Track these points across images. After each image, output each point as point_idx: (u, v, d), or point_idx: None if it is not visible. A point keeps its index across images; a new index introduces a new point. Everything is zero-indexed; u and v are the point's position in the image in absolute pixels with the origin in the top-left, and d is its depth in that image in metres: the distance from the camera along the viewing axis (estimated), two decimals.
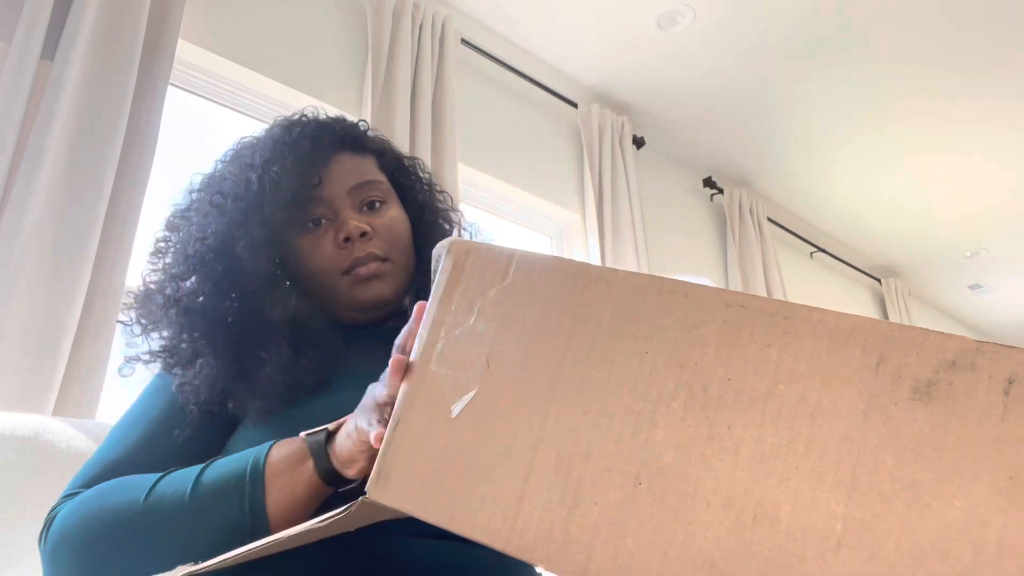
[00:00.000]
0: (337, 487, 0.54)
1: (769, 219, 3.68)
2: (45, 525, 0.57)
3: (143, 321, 0.72)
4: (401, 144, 1.99)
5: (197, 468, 0.56)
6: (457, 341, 0.37)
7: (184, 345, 0.68)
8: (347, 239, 0.71)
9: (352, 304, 0.73)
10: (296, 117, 0.78)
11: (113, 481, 0.57)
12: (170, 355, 0.69)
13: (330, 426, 0.54)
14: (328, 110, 2.10)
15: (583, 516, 0.31)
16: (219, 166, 0.77)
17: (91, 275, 1.38)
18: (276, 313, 0.69)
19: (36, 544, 0.60)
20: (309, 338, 0.69)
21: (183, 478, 0.55)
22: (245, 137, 0.79)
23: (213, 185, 0.74)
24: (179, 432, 0.64)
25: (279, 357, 0.66)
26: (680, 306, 0.32)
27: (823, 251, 4.09)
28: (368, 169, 0.77)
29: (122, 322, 0.79)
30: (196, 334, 0.68)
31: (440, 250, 0.41)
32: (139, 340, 0.74)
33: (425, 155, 2.06)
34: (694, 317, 0.32)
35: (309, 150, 0.73)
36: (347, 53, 2.16)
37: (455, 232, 0.89)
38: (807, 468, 0.27)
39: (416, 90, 2.14)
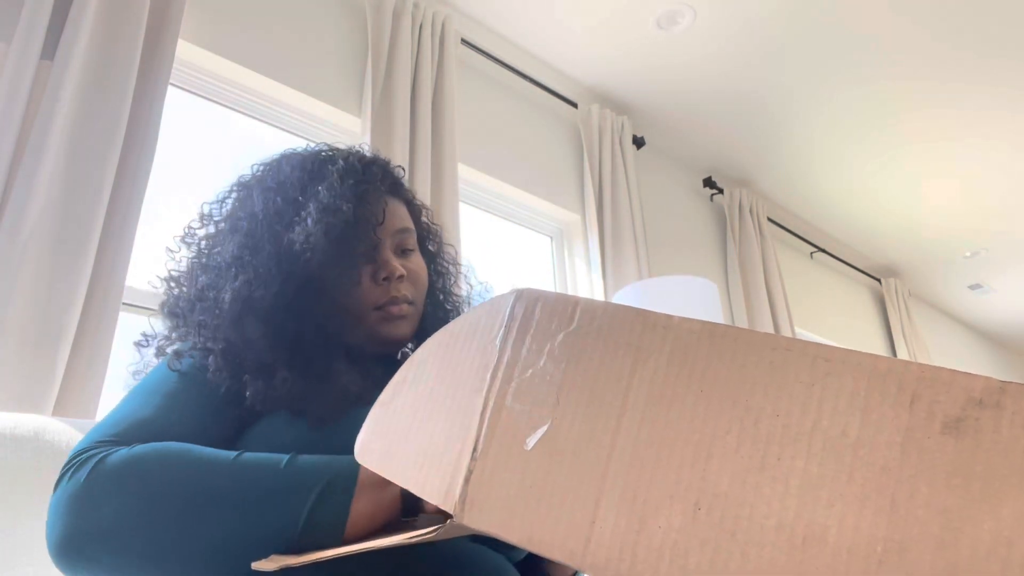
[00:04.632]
0: (405, 515, 0.55)
1: (769, 219, 3.68)
2: (78, 463, 0.54)
3: (195, 318, 0.73)
4: (401, 144, 1.99)
5: (283, 456, 0.56)
6: (530, 380, 0.41)
7: (255, 355, 0.69)
8: (386, 278, 0.77)
9: (374, 336, 0.77)
10: (360, 153, 0.84)
11: (177, 446, 0.56)
12: (231, 356, 0.69)
13: None
14: (329, 112, 2.09)
15: (649, 538, 0.34)
16: (286, 175, 0.79)
17: (91, 275, 1.38)
18: (344, 336, 0.75)
19: (52, 490, 0.56)
20: (354, 359, 0.75)
21: (270, 457, 0.55)
22: (296, 154, 0.82)
23: (299, 197, 0.76)
24: (196, 409, 0.65)
25: (350, 370, 0.71)
26: (730, 349, 0.36)
27: (823, 251, 4.09)
28: (405, 216, 0.83)
29: (172, 313, 0.77)
30: (270, 347, 0.69)
31: (508, 297, 0.46)
32: (181, 329, 0.75)
33: (425, 155, 2.06)
34: (743, 359, 0.35)
35: (380, 191, 0.80)
36: (347, 53, 2.16)
37: (460, 281, 0.95)
38: (850, 495, 0.30)
39: (416, 90, 2.14)
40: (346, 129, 2.13)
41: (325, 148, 0.84)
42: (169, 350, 0.74)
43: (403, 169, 0.89)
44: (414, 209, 0.89)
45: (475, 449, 0.41)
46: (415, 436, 0.46)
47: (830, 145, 3.32)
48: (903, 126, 3.20)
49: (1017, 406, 0.29)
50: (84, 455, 0.55)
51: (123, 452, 0.54)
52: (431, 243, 0.92)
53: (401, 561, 0.58)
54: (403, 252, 0.81)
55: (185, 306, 0.75)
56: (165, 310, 0.77)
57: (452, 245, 0.96)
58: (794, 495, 0.31)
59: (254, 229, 0.75)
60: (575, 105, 2.76)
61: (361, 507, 0.53)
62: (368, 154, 0.85)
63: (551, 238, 2.78)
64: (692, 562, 0.32)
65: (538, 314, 0.43)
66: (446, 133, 2.16)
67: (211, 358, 0.69)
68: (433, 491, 0.42)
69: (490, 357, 0.44)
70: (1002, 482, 0.28)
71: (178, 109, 1.85)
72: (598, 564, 0.35)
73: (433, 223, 0.94)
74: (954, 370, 0.30)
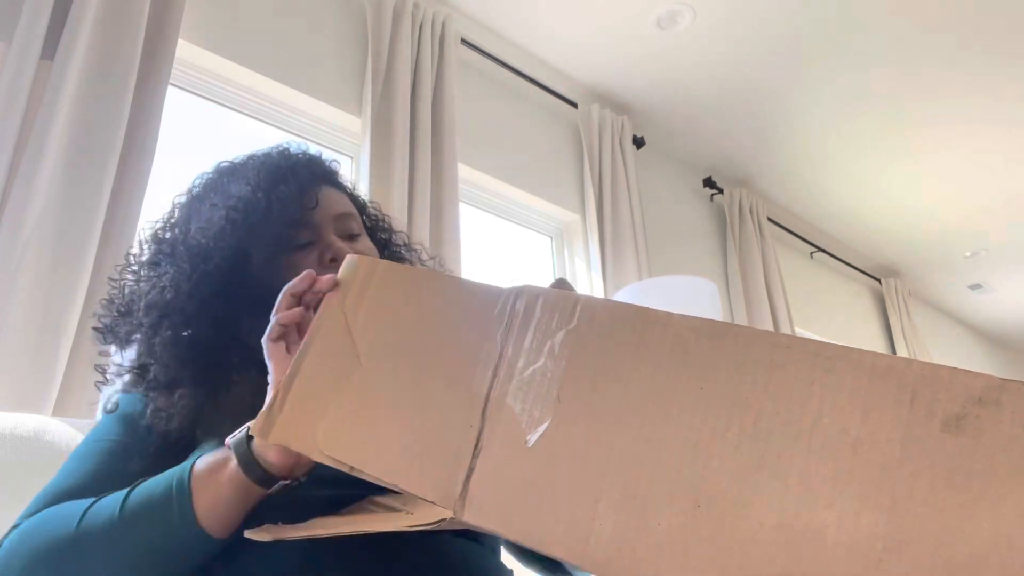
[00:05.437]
0: (267, 485, 0.55)
1: (769, 219, 3.68)
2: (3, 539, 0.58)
3: (123, 332, 0.73)
4: (401, 144, 1.99)
5: (125, 490, 0.58)
6: (531, 378, 0.41)
7: (163, 370, 0.68)
8: (333, 259, 0.75)
9: None
10: (286, 147, 0.83)
11: (52, 508, 0.59)
12: (144, 374, 0.69)
13: (252, 424, 0.55)
14: (329, 112, 2.08)
15: (649, 535, 0.34)
16: (210, 183, 0.79)
17: (91, 275, 1.38)
18: (254, 339, 0.71)
19: None
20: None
21: (113, 500, 0.57)
22: (225, 162, 0.82)
23: (214, 199, 0.75)
24: (137, 461, 0.65)
25: (250, 379, 0.68)
26: (731, 347, 0.36)
27: (823, 251, 4.09)
28: (345, 202, 0.82)
29: (97, 329, 0.76)
30: (179, 362, 0.68)
31: (509, 293, 0.45)
32: (111, 349, 0.75)
33: (425, 155, 2.06)
34: (744, 357, 0.35)
35: (308, 177, 0.78)
36: (347, 53, 2.16)
37: (415, 261, 0.94)
38: (850, 493, 0.30)
39: (416, 90, 2.14)
40: (346, 129, 2.13)
41: (257, 151, 0.83)
42: (121, 380, 0.74)
43: (338, 163, 0.88)
44: (357, 201, 0.88)
45: (476, 446, 0.41)
46: (400, 430, 0.44)
47: (830, 145, 3.32)
48: (903, 126, 3.20)
49: (1017, 404, 0.29)
50: (9, 530, 0.59)
51: (12, 535, 0.58)
52: (381, 232, 0.91)
53: (385, 551, 0.58)
54: (349, 237, 0.80)
55: (110, 322, 0.75)
56: (93, 328, 0.77)
57: (404, 232, 0.96)
58: (793, 493, 0.31)
59: (172, 236, 0.75)
60: (575, 105, 2.76)
61: (203, 503, 0.54)
62: (296, 150, 0.84)
63: (551, 238, 2.78)
64: (692, 560, 0.32)
65: (539, 311, 0.43)
66: (446, 133, 2.16)
67: (127, 377, 0.69)
68: (429, 488, 0.41)
69: (490, 354, 0.44)
70: (1002, 480, 0.28)
71: (178, 109, 1.85)
72: (598, 561, 0.35)
73: (383, 214, 0.93)
74: (954, 368, 0.30)
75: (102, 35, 1.51)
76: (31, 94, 1.39)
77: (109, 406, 0.71)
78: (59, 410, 1.30)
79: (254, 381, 0.68)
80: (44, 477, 0.88)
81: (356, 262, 0.52)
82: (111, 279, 0.80)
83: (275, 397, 0.47)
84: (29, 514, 0.61)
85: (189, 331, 0.70)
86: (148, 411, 0.66)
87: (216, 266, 0.70)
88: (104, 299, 0.78)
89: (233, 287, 0.72)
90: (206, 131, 1.95)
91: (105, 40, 1.51)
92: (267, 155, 0.80)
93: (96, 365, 0.78)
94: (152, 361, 0.69)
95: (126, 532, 0.54)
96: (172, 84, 1.77)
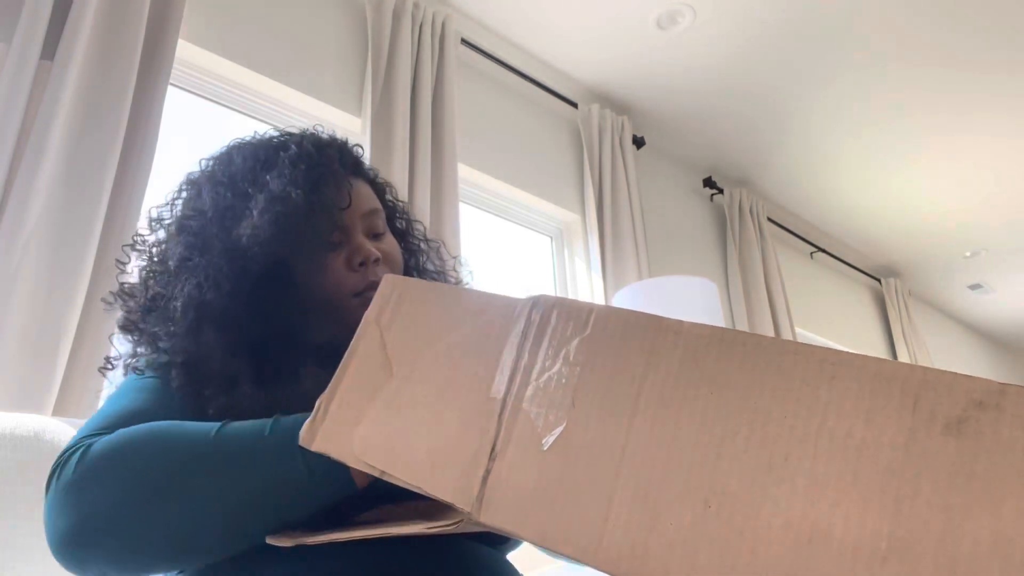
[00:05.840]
0: None
1: (769, 219, 3.68)
2: (64, 459, 0.53)
3: (159, 331, 0.69)
4: (401, 144, 1.99)
5: (268, 419, 0.55)
6: (546, 384, 0.43)
7: (213, 369, 0.65)
8: (363, 263, 0.73)
9: (356, 325, 0.74)
10: (314, 135, 0.80)
11: (153, 424, 0.54)
12: (190, 370, 0.66)
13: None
14: (329, 112, 2.08)
15: (660, 535, 0.35)
16: (236, 169, 0.75)
17: (91, 275, 1.38)
18: (312, 335, 0.71)
19: (42, 494, 0.55)
20: (326, 359, 0.70)
21: (255, 423, 0.54)
22: (247, 145, 0.78)
23: (254, 195, 0.71)
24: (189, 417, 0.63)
25: (314, 374, 0.67)
26: (740, 354, 0.37)
27: (823, 251, 4.09)
28: (371, 196, 0.80)
29: (125, 328, 0.73)
30: (228, 360, 0.66)
31: (526, 302, 0.47)
32: (139, 345, 0.71)
33: (425, 155, 2.06)
34: (752, 363, 0.37)
35: (341, 173, 0.76)
36: (347, 53, 2.16)
37: (433, 254, 0.92)
38: (855, 494, 0.31)
39: (416, 90, 2.14)
40: (346, 129, 2.13)
41: (277, 134, 0.79)
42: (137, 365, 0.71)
43: (361, 148, 0.85)
44: (378, 188, 0.85)
45: (493, 449, 0.43)
46: (424, 436, 0.46)
47: (830, 145, 3.32)
48: (903, 126, 3.20)
49: (1016, 408, 0.29)
50: (69, 451, 0.53)
51: (108, 437, 0.53)
52: (399, 221, 0.90)
53: (400, 555, 0.58)
54: (375, 235, 0.78)
55: (137, 319, 0.71)
56: (119, 327, 0.72)
57: (420, 222, 0.94)
58: (801, 494, 0.32)
59: (203, 228, 0.71)
60: (575, 105, 2.76)
61: None
62: (324, 136, 0.81)
63: (551, 238, 2.78)
64: (702, 559, 0.33)
65: (554, 320, 0.45)
66: (446, 133, 2.16)
67: (173, 371, 0.66)
68: (448, 490, 0.43)
69: (507, 361, 0.46)
70: (1002, 481, 0.29)
71: (178, 109, 1.85)
72: (611, 560, 0.36)
73: (399, 200, 0.91)
74: (956, 373, 0.31)
75: (102, 35, 1.51)
76: (31, 94, 1.39)
77: (140, 367, 0.67)
78: (59, 410, 1.30)
79: (324, 376, 0.66)
80: (44, 477, 0.88)
81: (392, 281, 0.55)
82: (119, 261, 0.76)
83: (318, 409, 0.51)
84: (103, 428, 0.56)
85: (234, 329, 0.67)
86: (210, 411, 0.63)
87: (257, 265, 0.68)
88: (126, 287, 0.74)
89: (272, 285, 0.70)
90: (206, 131, 1.95)
91: (105, 40, 1.51)
92: (300, 145, 0.76)
93: (113, 358, 0.74)
94: (197, 360, 0.66)
95: (279, 448, 0.53)
96: (172, 84, 1.78)
